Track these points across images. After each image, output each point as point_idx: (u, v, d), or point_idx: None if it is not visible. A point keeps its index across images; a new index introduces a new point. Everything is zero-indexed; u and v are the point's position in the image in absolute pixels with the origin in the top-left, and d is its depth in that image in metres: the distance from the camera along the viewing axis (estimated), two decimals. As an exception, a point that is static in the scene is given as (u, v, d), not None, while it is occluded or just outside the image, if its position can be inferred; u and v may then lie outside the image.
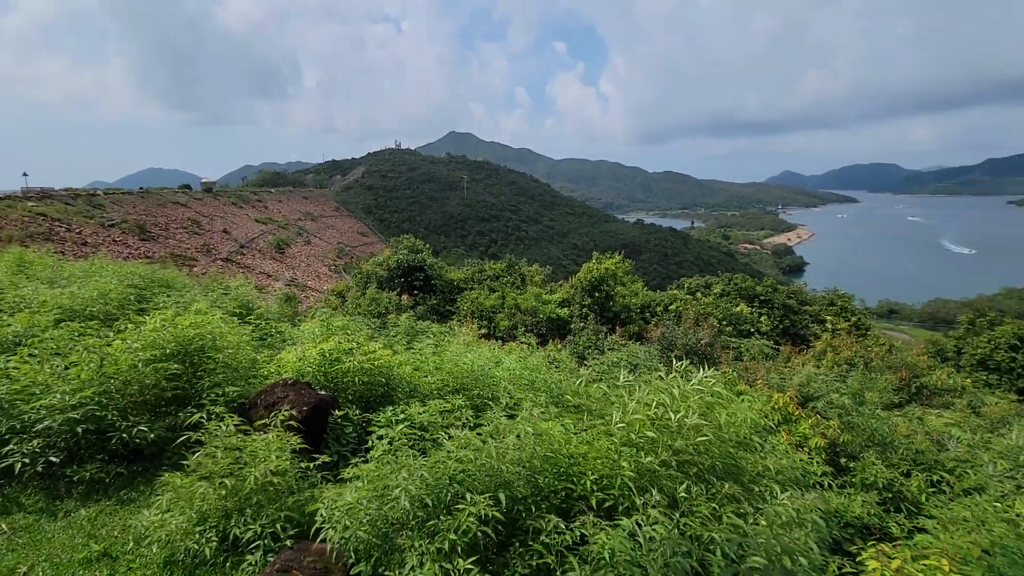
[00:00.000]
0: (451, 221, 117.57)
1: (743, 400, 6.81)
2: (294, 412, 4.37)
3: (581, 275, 20.43)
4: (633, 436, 3.13)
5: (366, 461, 3.62)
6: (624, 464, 2.90)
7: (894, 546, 4.71)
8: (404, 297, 20.01)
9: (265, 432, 3.96)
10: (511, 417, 3.84)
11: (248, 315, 9.20)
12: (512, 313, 18.92)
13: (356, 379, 5.72)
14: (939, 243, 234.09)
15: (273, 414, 4.29)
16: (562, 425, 3.76)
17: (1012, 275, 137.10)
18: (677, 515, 2.68)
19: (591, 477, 2.99)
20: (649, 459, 2.92)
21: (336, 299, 21.67)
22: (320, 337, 7.35)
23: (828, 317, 19.47)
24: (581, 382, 4.64)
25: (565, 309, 19.43)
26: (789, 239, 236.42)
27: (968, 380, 12.91)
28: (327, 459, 4.07)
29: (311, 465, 3.90)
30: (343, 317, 10.55)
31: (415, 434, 3.80)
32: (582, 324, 16.81)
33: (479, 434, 3.47)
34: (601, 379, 9.84)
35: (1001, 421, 8.07)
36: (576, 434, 3.59)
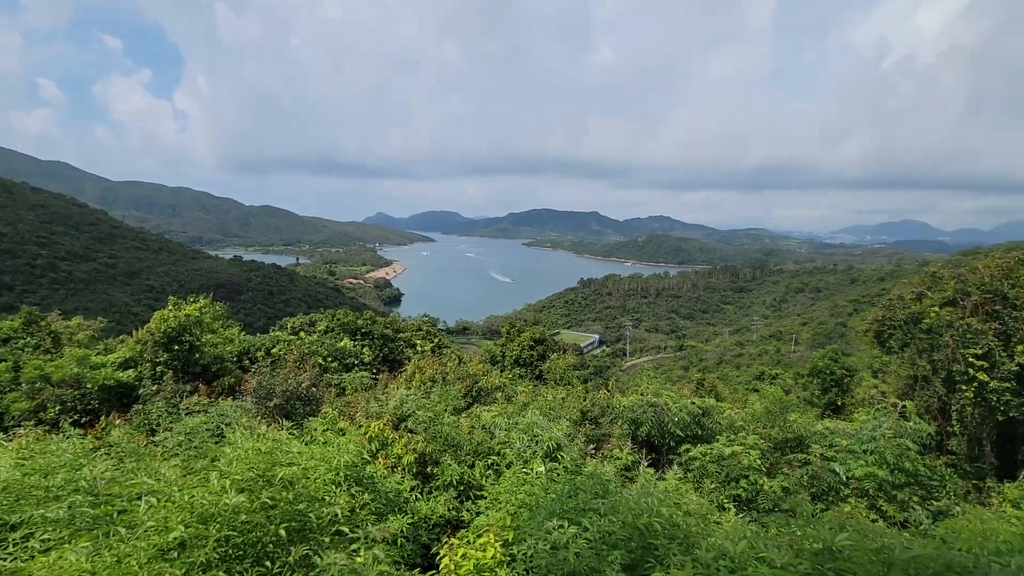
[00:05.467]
0: (-90, 259, 75.73)
1: (340, 439, 6.86)
2: None
3: (152, 326, 16.59)
4: (169, 538, 2.51)
5: None
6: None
7: (460, 536, 5.62)
8: None
9: None
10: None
11: None
12: (37, 389, 13.46)
13: None
14: (489, 274, 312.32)
15: None
16: (73, 553, 2.69)
17: (531, 294, 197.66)
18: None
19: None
20: (191, 559, 2.38)
21: None
22: None
23: (418, 341, 22.46)
24: (98, 479, 3.50)
25: (130, 371, 15.29)
26: (387, 273, 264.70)
27: (508, 376, 17.33)
28: None
29: None
30: None
31: None
32: (156, 387, 13.56)
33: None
34: (178, 454, 8.05)
35: (525, 405, 11.12)
36: (90, 559, 2.62)
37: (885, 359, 21.42)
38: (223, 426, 9.42)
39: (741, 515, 6.84)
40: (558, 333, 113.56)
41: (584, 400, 11.44)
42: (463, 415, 10.43)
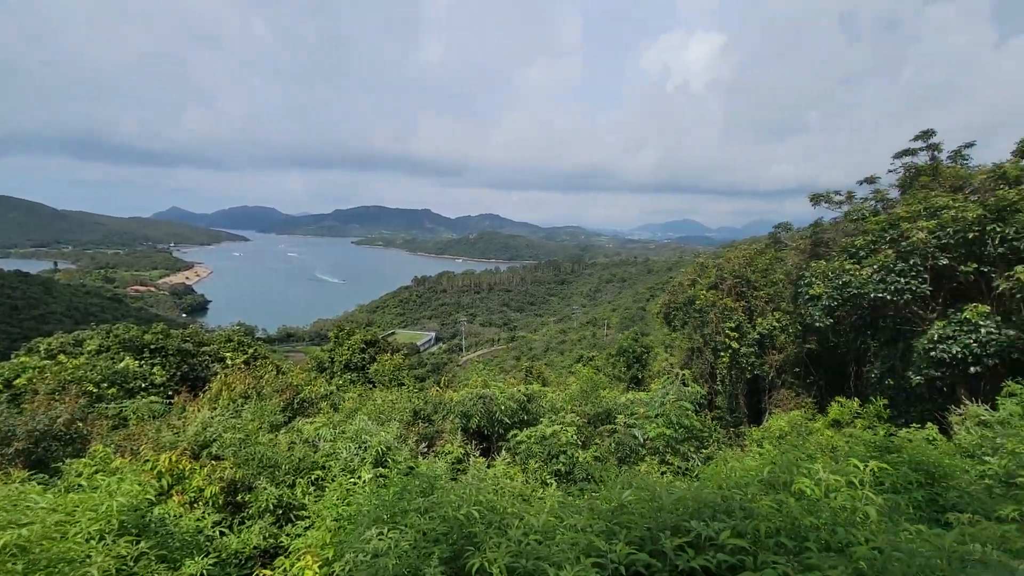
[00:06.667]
0: None
1: (113, 480, 5.65)
2: None
3: None
4: None
5: None
6: None
7: (277, 564, 5.09)
8: None
9: None
10: None
11: None
12: None
13: None
14: (315, 275, 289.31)
15: None
16: None
17: (363, 295, 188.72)
18: None
19: None
20: None
21: None
22: None
23: (227, 354, 19.73)
24: None
25: None
26: (188, 278, 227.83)
27: (337, 383, 16.28)
28: None
29: None
30: None
31: None
32: None
33: None
34: None
35: (354, 412, 10.55)
36: None
37: (672, 336, 25.64)
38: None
39: (561, 488, 7.50)
40: (393, 333, 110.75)
41: (416, 399, 11.33)
42: (282, 431, 9.48)
